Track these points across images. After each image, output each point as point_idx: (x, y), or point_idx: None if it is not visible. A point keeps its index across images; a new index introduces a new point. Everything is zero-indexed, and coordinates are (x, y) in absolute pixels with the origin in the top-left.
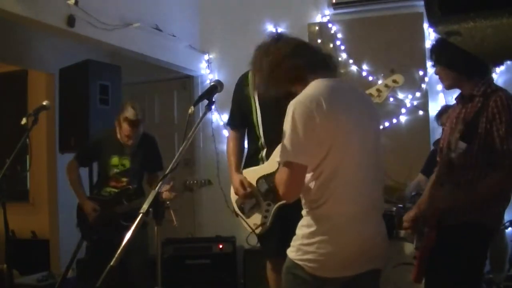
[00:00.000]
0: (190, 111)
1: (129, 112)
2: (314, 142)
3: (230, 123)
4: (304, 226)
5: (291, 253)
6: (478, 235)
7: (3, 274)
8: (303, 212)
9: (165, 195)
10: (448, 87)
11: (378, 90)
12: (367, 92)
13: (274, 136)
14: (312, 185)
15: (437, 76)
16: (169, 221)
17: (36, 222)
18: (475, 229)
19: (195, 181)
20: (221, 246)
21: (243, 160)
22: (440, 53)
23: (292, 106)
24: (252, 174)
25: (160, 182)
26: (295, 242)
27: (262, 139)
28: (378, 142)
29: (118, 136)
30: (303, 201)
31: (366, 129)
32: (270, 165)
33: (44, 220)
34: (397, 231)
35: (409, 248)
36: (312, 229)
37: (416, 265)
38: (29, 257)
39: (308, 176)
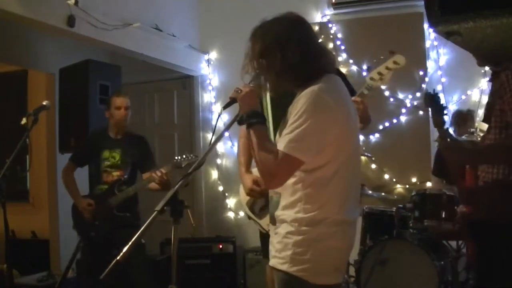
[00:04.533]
0: (220, 111)
1: (118, 100)
2: (322, 141)
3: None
4: (293, 234)
5: (283, 265)
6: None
7: (3, 274)
8: (287, 218)
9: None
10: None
11: (380, 74)
12: (369, 76)
13: None
14: (308, 188)
15: (437, 76)
16: (186, 220)
17: (36, 222)
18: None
19: (183, 157)
20: (221, 246)
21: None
22: None
23: (309, 95)
24: None
25: (181, 181)
26: (284, 252)
27: (272, 135)
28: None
29: (110, 130)
30: (291, 209)
31: (358, 133)
32: None
33: (44, 220)
34: (399, 230)
35: (409, 247)
36: (306, 235)
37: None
38: (29, 257)
39: (304, 178)
